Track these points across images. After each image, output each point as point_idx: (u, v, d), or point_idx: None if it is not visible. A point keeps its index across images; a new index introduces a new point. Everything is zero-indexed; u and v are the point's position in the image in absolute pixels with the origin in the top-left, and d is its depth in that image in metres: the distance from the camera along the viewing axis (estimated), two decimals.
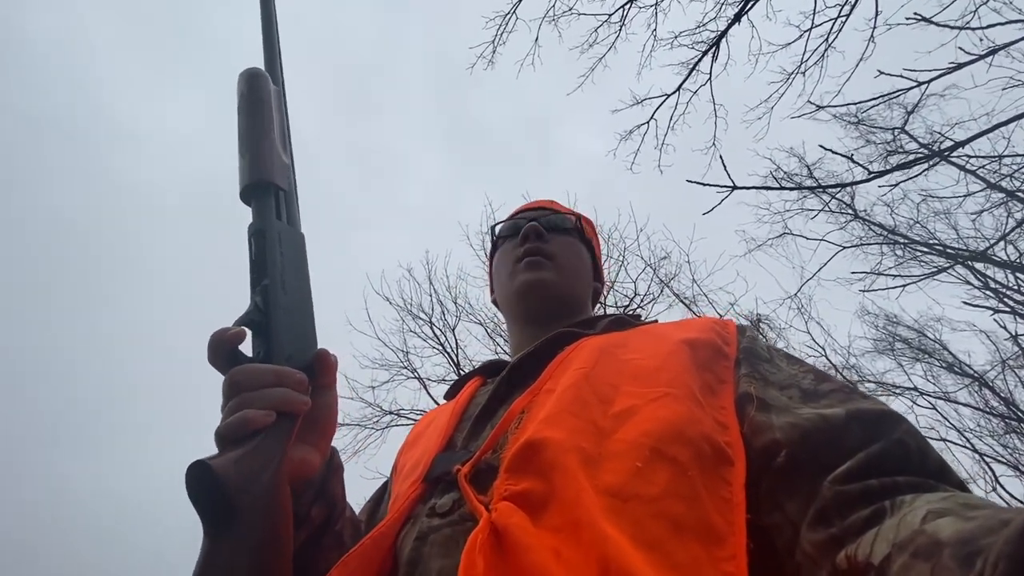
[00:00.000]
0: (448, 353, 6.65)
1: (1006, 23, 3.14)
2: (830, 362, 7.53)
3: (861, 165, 2.73)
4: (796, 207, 6.77)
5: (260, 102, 0.54)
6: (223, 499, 0.39)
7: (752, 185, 2.65)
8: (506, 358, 0.73)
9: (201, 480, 0.39)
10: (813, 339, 7.54)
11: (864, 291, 6.18)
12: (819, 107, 3.28)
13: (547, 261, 0.72)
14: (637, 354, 0.54)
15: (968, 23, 3.28)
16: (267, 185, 0.52)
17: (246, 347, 0.48)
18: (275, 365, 0.46)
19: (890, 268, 6.45)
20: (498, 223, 0.83)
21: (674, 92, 4.61)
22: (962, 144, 3.10)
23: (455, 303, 6.83)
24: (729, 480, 0.42)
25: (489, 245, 0.85)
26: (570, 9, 4.83)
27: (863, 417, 0.41)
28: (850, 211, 6.84)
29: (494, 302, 0.84)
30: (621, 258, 6.94)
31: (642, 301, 6.87)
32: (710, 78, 4.47)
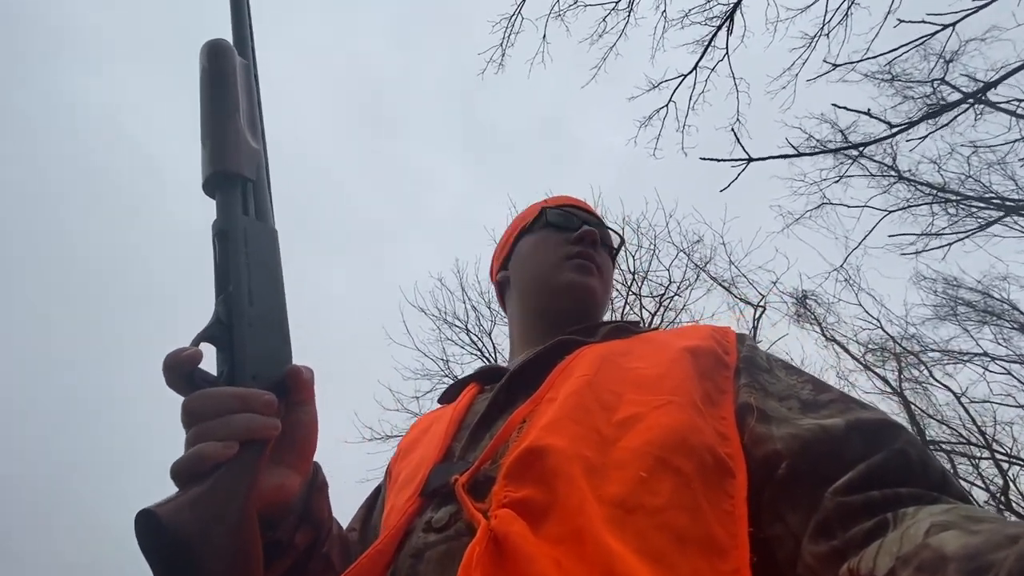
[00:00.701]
0: (487, 358, 6.68)
1: None
2: (886, 333, 7.15)
3: (880, 119, 2.56)
4: (833, 175, 6.45)
5: (224, 79, 0.47)
6: (178, 549, 0.34)
7: (769, 155, 2.52)
8: (503, 363, 0.72)
9: (150, 531, 0.35)
10: (865, 311, 7.18)
11: (917, 254, 5.82)
12: (835, 65, 3.09)
13: (597, 271, 0.72)
14: (640, 362, 0.53)
15: None
16: (232, 176, 0.45)
17: (212, 365, 0.43)
18: (238, 386, 0.41)
19: (943, 229, 6.05)
20: (550, 206, 0.78)
21: (691, 72, 4.48)
22: (993, 84, 2.87)
23: (489, 308, 6.85)
24: (731, 492, 0.41)
25: (523, 223, 0.78)
26: (575, 2, 4.78)
27: (863, 427, 0.40)
28: (893, 173, 6.46)
29: (502, 280, 0.79)
30: (652, 247, 6.80)
31: (678, 288, 6.71)
32: (727, 53, 4.32)
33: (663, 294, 6.58)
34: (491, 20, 4.91)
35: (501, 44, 5.00)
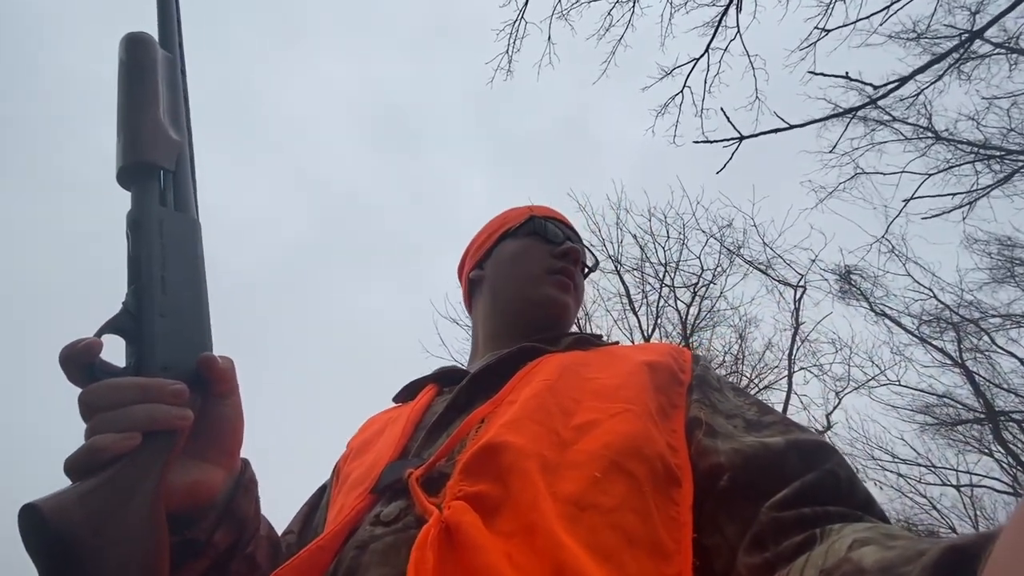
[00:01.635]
0: None
1: None
2: (941, 303, 6.81)
3: (860, 81, 2.46)
4: (865, 143, 6.21)
5: (141, 70, 0.46)
6: (64, 547, 0.32)
7: (760, 132, 2.46)
8: (462, 366, 0.72)
9: (33, 526, 0.32)
10: (915, 281, 6.87)
11: (967, 210, 5.52)
12: (826, 32, 2.98)
13: (573, 289, 0.74)
14: (600, 373, 0.55)
15: None
16: (148, 166, 0.44)
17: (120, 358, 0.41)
18: (143, 377, 0.39)
19: (989, 187, 5.73)
20: (537, 215, 0.78)
21: (703, 55, 4.41)
22: (994, 21, 2.70)
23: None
24: (677, 500, 0.43)
25: (503, 225, 0.79)
26: (577, 0, 4.77)
27: (801, 447, 0.43)
28: (929, 134, 6.17)
29: (473, 279, 0.79)
30: (681, 236, 6.68)
31: (713, 276, 6.56)
32: (739, 31, 4.24)
33: (697, 283, 6.45)
34: (495, 28, 4.96)
35: (507, 51, 5.03)
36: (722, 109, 2.23)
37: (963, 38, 4.33)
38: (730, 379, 0.59)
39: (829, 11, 4.06)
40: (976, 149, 5.99)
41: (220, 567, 0.46)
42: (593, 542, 0.38)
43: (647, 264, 6.75)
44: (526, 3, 4.79)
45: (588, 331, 0.76)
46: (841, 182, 6.44)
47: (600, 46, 4.95)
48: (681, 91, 4.64)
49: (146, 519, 0.36)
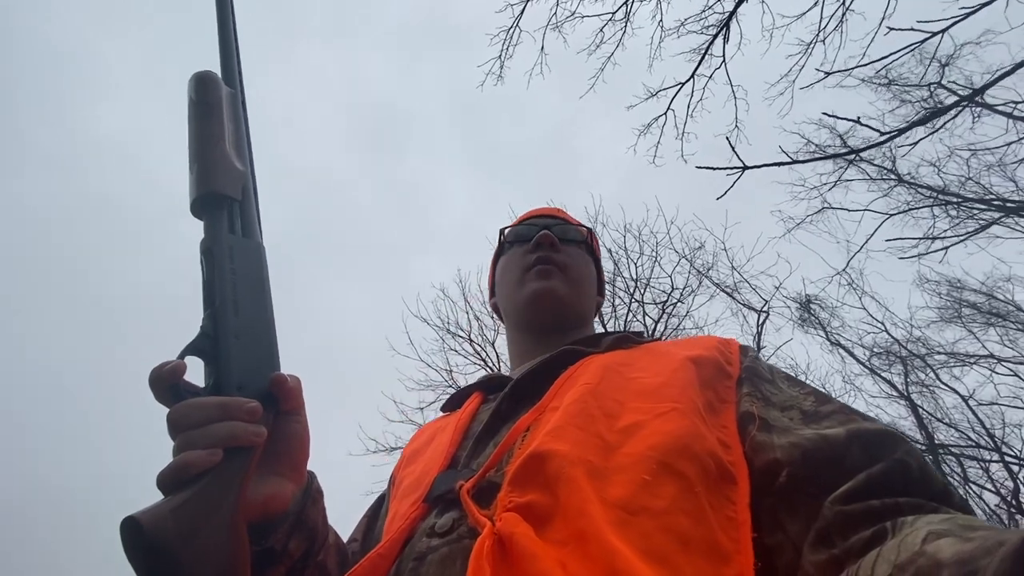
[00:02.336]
0: (490, 368, 6.67)
1: None
2: (891, 337, 7.12)
3: (869, 126, 2.58)
4: (833, 179, 6.47)
5: (210, 108, 0.50)
6: (161, 556, 0.35)
7: (763, 163, 2.54)
8: (506, 372, 0.72)
9: (133, 537, 0.35)
10: (869, 314, 7.16)
11: (920, 256, 5.81)
12: (827, 73, 3.13)
13: (558, 271, 0.72)
14: (642, 372, 0.54)
15: None
16: (218, 197, 0.48)
17: (201, 378, 0.44)
18: (223, 396, 0.42)
19: (945, 231, 6.05)
20: (508, 226, 0.81)
21: (688, 80, 4.52)
22: (986, 87, 2.89)
23: (491, 317, 6.86)
24: (733, 499, 0.41)
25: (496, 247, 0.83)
26: (572, 14, 4.83)
27: (864, 437, 0.41)
28: (893, 176, 6.48)
29: (494, 307, 0.83)
30: (654, 254, 6.81)
31: (681, 295, 6.71)
32: (724, 60, 4.36)
33: (666, 301, 6.58)
34: (490, 33, 4.98)
35: (499, 56, 5.06)
36: (727, 138, 2.29)
37: (931, 88, 4.59)
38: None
39: (809, 51, 4.23)
40: (935, 194, 6.32)
41: (295, 574, 0.48)
42: (646, 546, 0.37)
43: (619, 278, 6.86)
44: (522, 12, 4.82)
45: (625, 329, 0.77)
46: (809, 215, 6.71)
47: (590, 61, 5.02)
48: (665, 113, 4.75)
49: (230, 529, 0.38)
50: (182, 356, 0.43)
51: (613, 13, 4.71)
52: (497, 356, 6.71)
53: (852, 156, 4.52)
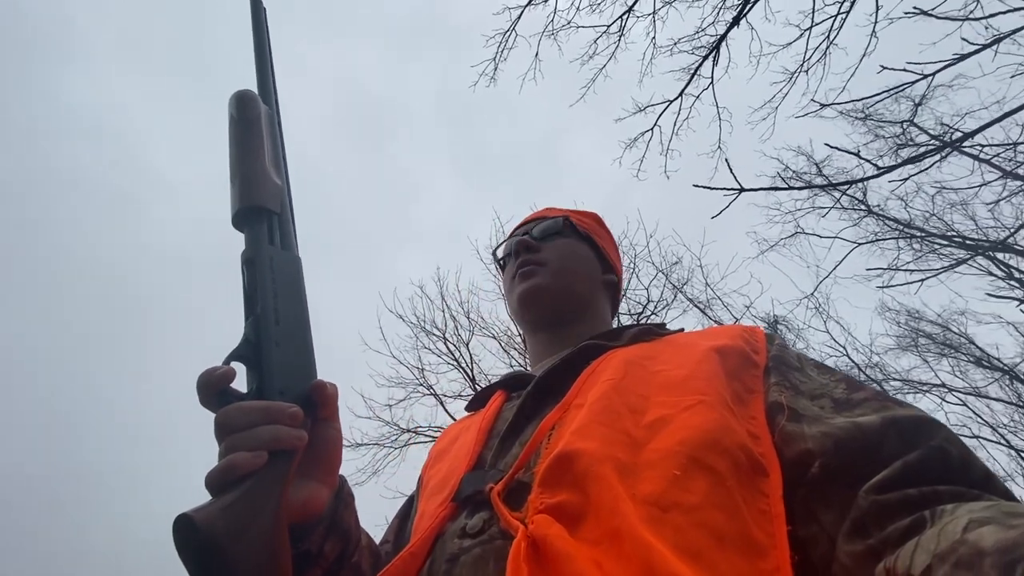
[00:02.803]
0: (463, 368, 6.65)
1: (1009, 11, 3.11)
2: (852, 361, 7.38)
3: (869, 161, 2.70)
4: (807, 206, 6.69)
5: (249, 124, 0.52)
6: (211, 552, 0.36)
7: (760, 187, 2.63)
8: (524, 369, 0.75)
9: (186, 534, 0.37)
10: (833, 338, 7.40)
11: (883, 287, 6.07)
12: (823, 105, 3.26)
13: (539, 268, 0.73)
14: (666, 365, 0.53)
15: (971, 13, 3.26)
16: (258, 210, 0.50)
17: (242, 383, 0.46)
18: (266, 401, 0.44)
19: (908, 263, 6.33)
20: (498, 246, 0.85)
21: (676, 98, 4.61)
22: (973, 134, 3.05)
23: (468, 318, 6.85)
24: (766, 492, 0.41)
25: (496, 268, 0.87)
26: (568, 23, 4.88)
27: (899, 424, 0.39)
28: (863, 207, 6.73)
29: (512, 319, 0.87)
30: (632, 265, 6.91)
31: (655, 307, 6.82)
32: (712, 82, 4.47)
33: (641, 312, 6.67)
34: (486, 35, 4.99)
35: (494, 58, 5.07)
36: (726, 160, 2.34)
37: (903, 125, 4.80)
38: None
39: (793, 80, 4.38)
40: (901, 227, 6.60)
41: (332, 575, 0.49)
42: (680, 542, 0.36)
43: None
44: (519, 16, 4.85)
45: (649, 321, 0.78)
46: (782, 238, 6.92)
47: (582, 72, 5.08)
48: (651, 129, 4.83)
49: (274, 529, 0.40)
50: (227, 362, 0.44)
51: (608, 26, 4.78)
52: (471, 356, 6.69)
53: (844, 188, 4.68)
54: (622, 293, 0.85)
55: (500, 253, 0.84)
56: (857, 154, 2.62)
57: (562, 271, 0.73)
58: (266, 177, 0.51)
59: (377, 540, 0.62)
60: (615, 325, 0.79)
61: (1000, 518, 0.29)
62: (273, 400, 0.44)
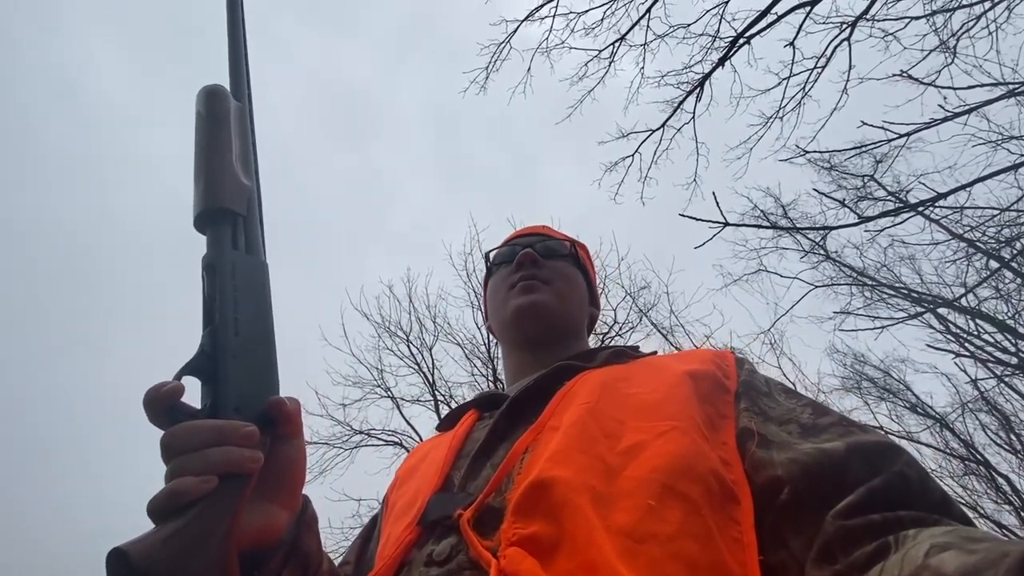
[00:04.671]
0: (424, 373, 6.57)
1: (975, 86, 3.38)
2: None
3: (852, 210, 2.86)
4: (772, 245, 6.99)
5: (217, 122, 0.50)
6: None
7: (744, 223, 2.75)
8: (488, 380, 0.74)
9: (120, 571, 0.34)
10: (784, 374, 7.69)
11: (838, 330, 6.37)
12: (803, 152, 3.44)
13: (544, 285, 0.72)
14: (641, 388, 0.53)
15: (935, 81, 3.51)
16: (222, 212, 0.47)
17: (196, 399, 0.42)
18: (219, 419, 0.40)
19: (859, 309, 6.68)
20: (493, 249, 0.82)
21: (659, 128, 4.76)
22: (941, 197, 3.27)
23: (434, 322, 6.78)
24: (738, 519, 0.41)
25: (484, 271, 0.84)
26: (562, 42, 4.98)
27: (863, 450, 0.40)
28: (822, 252, 7.08)
29: (489, 329, 0.83)
30: (602, 285, 7.02)
31: (620, 329, 6.93)
32: (693, 117, 4.64)
33: (606, 333, 6.77)
34: (480, 43, 5.03)
35: (487, 68, 5.12)
36: (713, 194, 2.43)
37: (864, 179, 5.10)
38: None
39: (768, 124, 4.60)
40: (855, 275, 6.96)
41: None
42: (655, 575, 0.36)
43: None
44: (515, 31, 4.92)
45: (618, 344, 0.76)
46: (746, 274, 7.17)
47: (571, 92, 5.18)
48: (632, 155, 4.97)
49: (221, 562, 0.37)
50: (179, 376, 0.41)
51: (600, 51, 4.90)
52: (433, 362, 6.62)
53: (827, 232, 4.93)
54: (595, 326, 0.85)
55: (495, 258, 0.80)
56: (842, 203, 2.78)
57: (562, 293, 0.73)
58: (232, 177, 0.48)
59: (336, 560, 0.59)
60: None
61: (960, 543, 0.30)
62: (228, 418, 0.41)
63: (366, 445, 6.50)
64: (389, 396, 6.53)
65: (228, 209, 0.47)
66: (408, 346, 6.67)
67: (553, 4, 4.79)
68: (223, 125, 0.50)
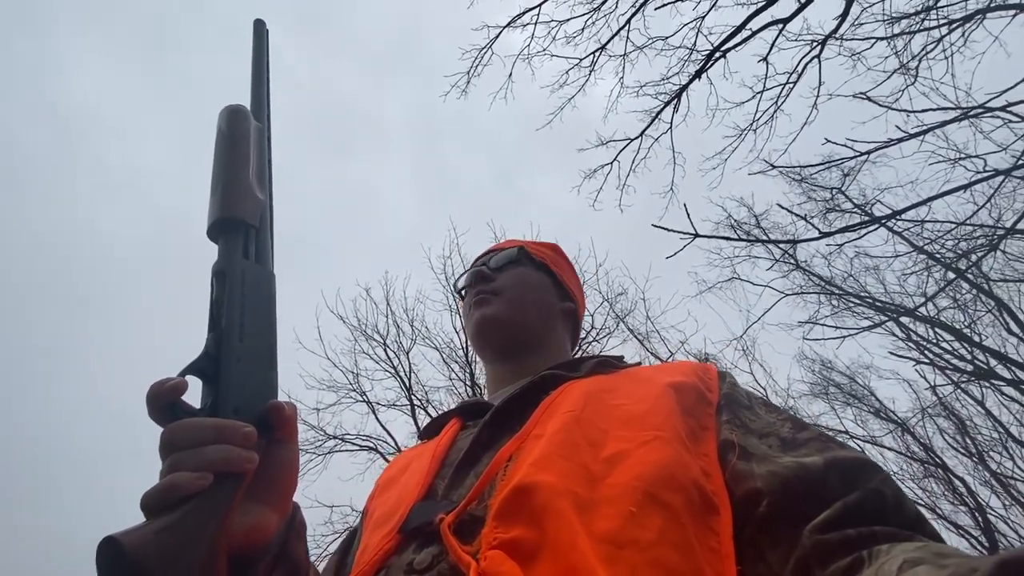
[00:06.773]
0: (401, 377, 6.52)
1: (935, 109, 3.56)
2: None
3: (814, 226, 2.98)
4: (744, 254, 7.18)
5: (236, 139, 0.52)
6: None
7: (713, 234, 2.84)
8: (467, 386, 0.75)
9: (111, 559, 0.34)
10: (755, 380, 7.89)
11: (806, 338, 6.57)
12: (773, 166, 3.57)
13: (493, 296, 0.74)
14: (626, 399, 0.54)
15: (896, 102, 3.69)
16: (235, 222, 0.49)
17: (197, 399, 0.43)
18: (218, 418, 0.41)
19: (826, 317, 6.90)
20: (458, 278, 0.86)
21: (637, 137, 4.85)
22: (903, 211, 3.43)
23: (412, 325, 6.74)
24: (717, 530, 0.41)
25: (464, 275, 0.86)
26: (543, 50, 5.04)
27: (841, 466, 0.41)
28: (792, 261, 7.30)
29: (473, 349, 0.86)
30: (583, 282, 7.08)
31: (598, 335, 7.01)
32: (671, 127, 4.74)
33: (584, 338, 6.84)
34: (463, 48, 5.05)
35: (468, 72, 5.14)
36: (684, 206, 2.49)
37: (832, 192, 5.29)
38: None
39: (742, 137, 4.73)
40: (823, 284, 7.20)
41: None
42: None
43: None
44: (497, 36, 4.96)
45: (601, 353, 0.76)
46: (719, 281, 7.34)
47: (552, 99, 5.24)
48: (611, 163, 5.05)
49: (211, 557, 0.37)
50: (183, 374, 0.42)
51: (581, 59, 4.98)
52: (410, 366, 6.58)
53: (793, 244, 5.09)
54: (583, 322, 0.88)
55: (460, 285, 0.84)
56: (804, 218, 2.88)
57: (515, 299, 0.74)
58: (248, 190, 0.50)
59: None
60: (576, 355, 0.80)
61: (931, 559, 0.31)
62: (227, 418, 0.41)
63: (340, 450, 6.42)
64: (364, 400, 6.47)
65: (242, 220, 0.49)
66: (385, 350, 6.63)
67: (535, 12, 4.85)
68: (242, 142, 0.52)
